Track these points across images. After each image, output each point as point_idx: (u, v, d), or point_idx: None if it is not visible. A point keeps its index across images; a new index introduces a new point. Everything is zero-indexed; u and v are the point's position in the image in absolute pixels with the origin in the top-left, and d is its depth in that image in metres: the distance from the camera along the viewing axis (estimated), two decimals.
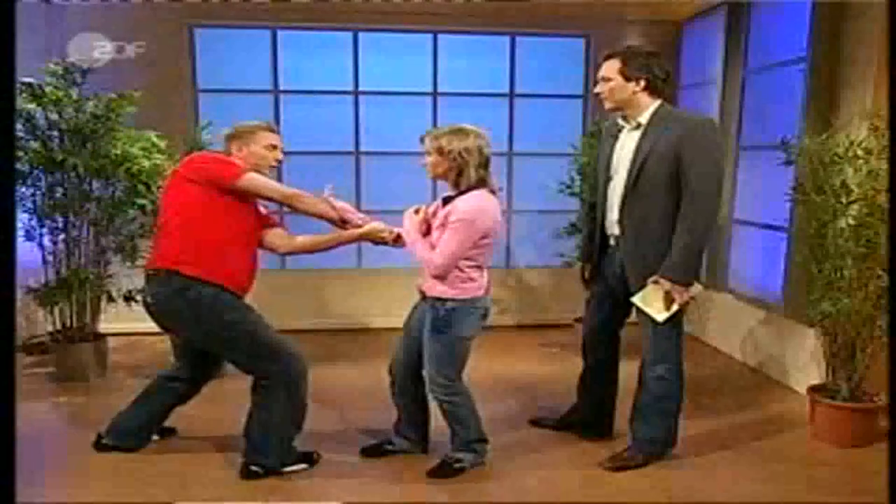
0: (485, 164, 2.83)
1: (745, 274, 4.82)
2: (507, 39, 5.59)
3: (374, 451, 3.22)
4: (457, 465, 3.03)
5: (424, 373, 2.99)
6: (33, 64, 4.10)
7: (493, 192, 2.87)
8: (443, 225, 2.80)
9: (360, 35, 5.44)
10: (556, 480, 3.05)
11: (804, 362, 4.04)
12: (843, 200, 3.30)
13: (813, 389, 3.55)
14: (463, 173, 2.79)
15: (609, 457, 3.15)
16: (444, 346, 2.88)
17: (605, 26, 5.39)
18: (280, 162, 3.11)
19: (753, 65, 4.68)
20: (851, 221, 3.29)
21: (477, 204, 2.76)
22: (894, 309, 2.83)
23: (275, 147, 3.05)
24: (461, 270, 2.81)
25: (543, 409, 3.76)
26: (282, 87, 5.44)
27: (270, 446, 2.97)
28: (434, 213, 2.92)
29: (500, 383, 4.32)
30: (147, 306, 2.98)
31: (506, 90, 5.66)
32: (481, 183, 2.81)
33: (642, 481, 3.02)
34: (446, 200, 2.87)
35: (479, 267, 2.87)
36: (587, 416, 3.43)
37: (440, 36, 5.51)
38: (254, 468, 2.96)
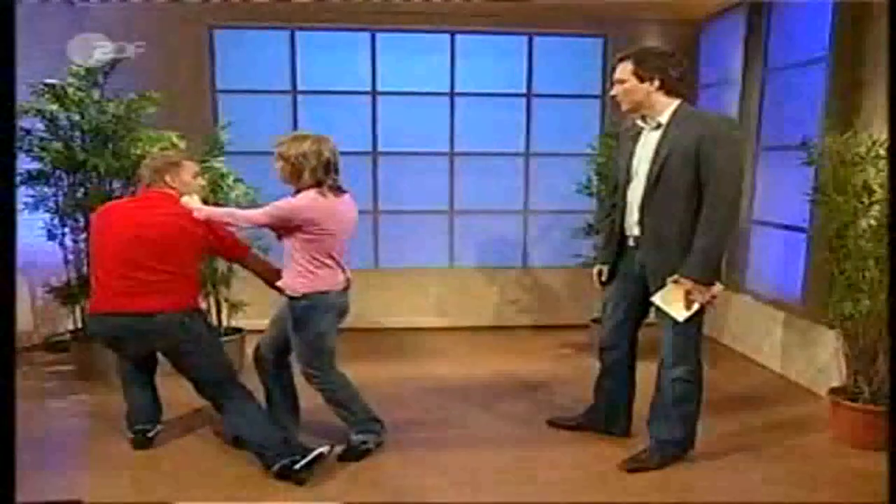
0: (323, 166, 2.97)
1: (764, 275, 4.78)
2: (524, 39, 5.58)
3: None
4: (362, 447, 3.19)
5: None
6: (54, 65, 4.16)
7: (329, 191, 2.98)
8: None
9: (378, 35, 5.45)
10: (572, 480, 3.05)
11: (824, 364, 4.00)
12: (865, 201, 3.28)
13: (833, 392, 3.52)
14: (301, 176, 2.96)
15: (627, 458, 3.14)
16: (305, 342, 3.06)
17: (624, 26, 5.38)
18: (203, 188, 3.43)
19: (774, 64, 4.64)
20: (873, 222, 3.26)
21: (295, 199, 2.96)
22: (895, 309, 2.81)
23: (197, 175, 3.29)
24: (301, 265, 2.98)
25: (560, 410, 3.75)
26: (300, 88, 5.47)
27: (278, 447, 2.98)
28: None
29: (516, 383, 4.32)
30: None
31: (523, 90, 5.65)
32: (317, 184, 2.96)
33: (659, 482, 3.01)
34: None
35: (320, 261, 3.00)
36: (605, 417, 3.43)
37: (458, 36, 5.52)
38: (295, 467, 2.92)
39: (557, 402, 3.95)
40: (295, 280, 3.00)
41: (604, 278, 3.33)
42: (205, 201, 4.12)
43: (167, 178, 3.14)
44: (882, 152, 3.23)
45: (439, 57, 5.54)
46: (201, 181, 3.34)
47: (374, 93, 5.53)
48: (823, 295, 3.57)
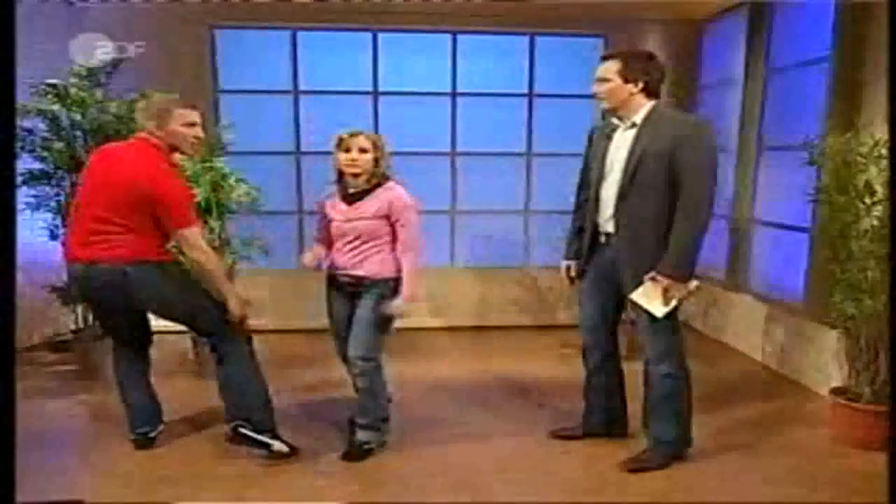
0: None
1: (766, 275, 4.78)
2: (525, 39, 5.58)
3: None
4: (365, 447, 3.23)
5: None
6: (55, 65, 4.16)
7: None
8: (363, 218, 3.12)
9: (379, 35, 5.46)
10: (572, 480, 3.05)
11: (825, 364, 4.00)
12: (867, 201, 3.27)
13: (835, 392, 3.52)
14: (384, 170, 3.19)
15: (628, 458, 3.14)
16: (384, 323, 3.17)
17: (625, 26, 5.38)
18: (200, 139, 3.10)
19: (775, 64, 4.63)
20: (875, 222, 3.26)
21: (406, 192, 3.19)
22: (894, 311, 2.81)
23: (193, 124, 3.03)
24: (390, 253, 3.17)
25: (561, 411, 3.75)
26: (301, 88, 5.48)
27: (253, 404, 3.08)
28: (335, 209, 3.20)
29: (517, 383, 4.32)
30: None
31: (525, 90, 5.65)
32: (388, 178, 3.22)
33: (660, 482, 3.01)
34: (352, 196, 3.16)
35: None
36: (602, 419, 3.42)
37: (459, 36, 5.52)
38: (242, 430, 3.06)
39: (558, 402, 3.94)
40: (384, 266, 3.15)
41: (573, 274, 3.37)
42: (206, 201, 4.16)
43: (151, 125, 2.97)
44: (884, 152, 3.22)
45: (440, 57, 5.54)
46: (199, 131, 3.07)
47: (375, 93, 5.53)
48: (825, 295, 3.57)
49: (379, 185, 3.15)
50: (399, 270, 3.17)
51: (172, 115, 2.97)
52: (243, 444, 3.10)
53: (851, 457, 3.28)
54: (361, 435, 3.24)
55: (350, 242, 3.15)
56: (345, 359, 3.33)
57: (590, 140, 3.26)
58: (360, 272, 3.16)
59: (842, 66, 3.86)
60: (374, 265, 3.15)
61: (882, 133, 3.37)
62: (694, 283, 2.94)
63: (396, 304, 3.12)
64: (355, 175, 3.12)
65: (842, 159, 3.34)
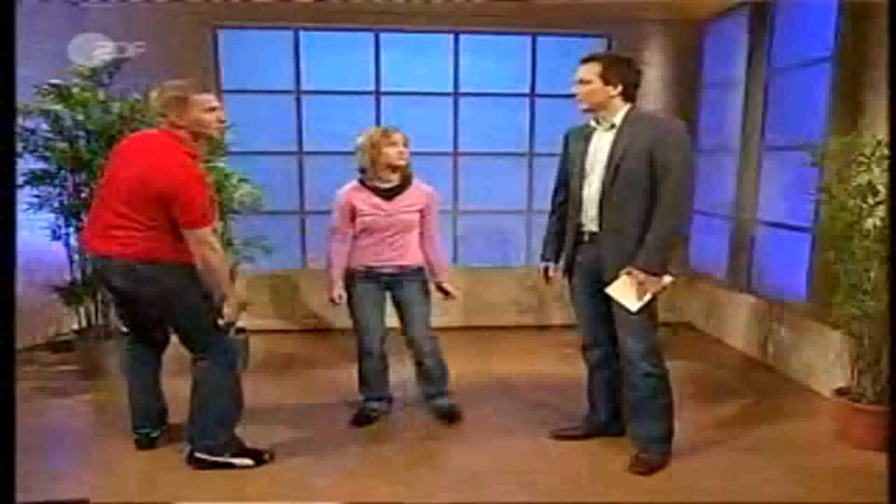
0: None
1: (768, 275, 4.77)
2: (528, 39, 5.58)
3: (362, 421, 3.60)
4: (457, 408, 3.66)
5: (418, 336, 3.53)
6: (55, 65, 4.17)
7: None
8: (407, 212, 3.40)
9: (381, 35, 5.46)
10: (573, 480, 3.05)
11: (828, 365, 3.99)
12: (870, 201, 3.27)
13: (838, 392, 3.52)
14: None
15: (632, 459, 3.13)
16: (428, 307, 3.56)
17: (626, 27, 5.38)
18: (223, 123, 3.01)
19: (777, 64, 4.62)
20: (878, 223, 3.25)
21: (433, 190, 3.55)
22: (894, 310, 2.81)
23: (214, 108, 2.94)
24: (417, 241, 3.50)
25: (562, 411, 3.76)
26: (303, 88, 5.48)
27: (213, 428, 3.05)
28: (367, 204, 3.37)
29: (518, 383, 4.32)
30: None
31: (526, 90, 5.65)
32: None
33: (661, 481, 3.01)
34: (388, 192, 3.39)
35: None
36: (606, 417, 3.42)
37: (461, 36, 5.52)
38: (198, 454, 3.05)
39: (559, 402, 3.94)
40: (419, 253, 3.50)
41: (552, 274, 3.39)
42: (210, 200, 4.16)
43: (172, 117, 2.86)
44: (887, 152, 3.22)
45: (442, 57, 5.54)
46: (222, 114, 2.98)
47: (377, 93, 5.53)
48: (827, 295, 3.56)
49: (408, 180, 3.43)
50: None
51: (191, 103, 2.87)
52: (203, 468, 3.05)
53: (853, 457, 3.28)
54: (442, 401, 3.64)
55: (392, 235, 3.39)
56: (371, 352, 3.51)
57: (565, 143, 3.32)
58: (404, 262, 3.44)
59: (844, 67, 3.86)
60: (412, 254, 3.47)
61: (885, 133, 3.37)
62: (668, 279, 2.98)
63: (450, 287, 3.58)
64: (396, 168, 3.32)
65: (844, 160, 3.33)
